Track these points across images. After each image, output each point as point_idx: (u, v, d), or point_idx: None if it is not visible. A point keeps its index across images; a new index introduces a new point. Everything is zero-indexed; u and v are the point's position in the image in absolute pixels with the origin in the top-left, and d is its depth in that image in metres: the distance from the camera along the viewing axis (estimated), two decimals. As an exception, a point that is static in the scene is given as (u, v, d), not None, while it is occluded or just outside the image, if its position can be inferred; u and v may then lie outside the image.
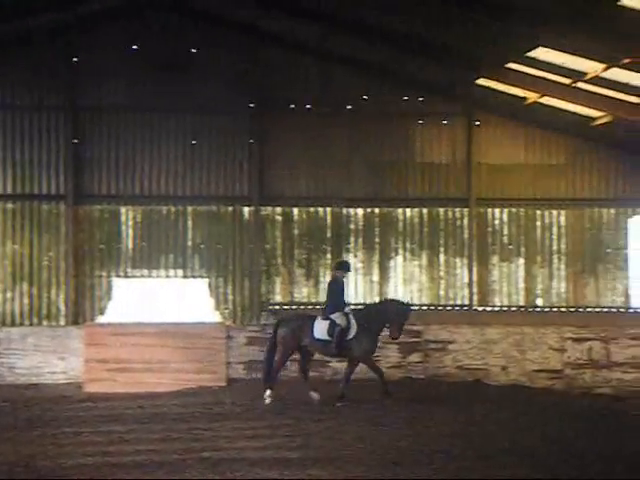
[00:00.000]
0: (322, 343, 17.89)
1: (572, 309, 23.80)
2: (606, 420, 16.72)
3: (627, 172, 24.03)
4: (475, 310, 24.17)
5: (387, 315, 17.91)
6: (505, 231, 24.45)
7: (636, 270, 23.92)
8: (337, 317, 17.83)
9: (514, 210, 24.33)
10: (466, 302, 24.23)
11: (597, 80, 19.98)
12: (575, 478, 11.02)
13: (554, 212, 24.25)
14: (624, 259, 23.99)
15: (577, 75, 20.11)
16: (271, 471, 11.13)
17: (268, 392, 17.77)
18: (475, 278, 24.26)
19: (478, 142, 24.37)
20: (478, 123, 24.32)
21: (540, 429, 15.08)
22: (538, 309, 24.14)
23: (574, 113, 22.66)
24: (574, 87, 20.75)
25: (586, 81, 20.25)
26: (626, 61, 18.21)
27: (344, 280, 18.36)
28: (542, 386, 22.16)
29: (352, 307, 18.44)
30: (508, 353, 23.47)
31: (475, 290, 24.25)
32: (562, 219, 24.26)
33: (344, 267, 18.63)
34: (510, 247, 24.36)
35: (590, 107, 21.73)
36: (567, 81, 20.66)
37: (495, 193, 24.33)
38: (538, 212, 24.27)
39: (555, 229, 24.28)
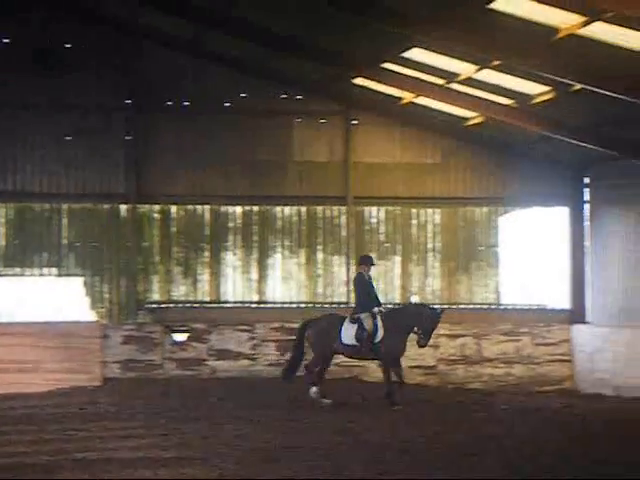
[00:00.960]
0: (350, 347, 17.82)
1: (446, 306, 24.20)
2: (477, 413, 17.11)
3: (498, 171, 24.56)
4: (352, 307, 24.35)
5: (416, 320, 17.63)
6: (382, 229, 24.74)
7: (506, 267, 24.46)
8: (364, 319, 17.62)
9: (390, 208, 24.64)
10: (343, 300, 24.43)
11: (469, 81, 20.37)
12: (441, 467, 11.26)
13: (429, 210, 24.64)
14: (495, 257, 24.52)
15: (450, 76, 20.48)
16: (145, 470, 11.06)
17: (314, 389, 17.84)
18: (352, 276, 24.46)
19: (355, 141, 24.60)
20: (355, 122, 24.55)
21: (419, 424, 15.37)
22: (414, 306, 24.44)
23: (448, 113, 23.07)
24: (448, 88, 21.12)
25: (459, 82, 20.63)
26: (496, 63, 18.61)
27: (368, 275, 18.11)
28: (417, 382, 22.52)
29: (382, 305, 18.24)
30: (384, 350, 23.78)
31: (352, 288, 24.42)
32: (437, 217, 24.66)
33: (366, 261, 18.37)
34: (387, 245, 24.66)
35: (463, 107, 22.13)
36: (441, 82, 21.01)
37: (372, 191, 24.60)
38: (413, 210, 24.62)
39: (430, 227, 24.67)
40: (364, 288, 17.94)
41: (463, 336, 23.41)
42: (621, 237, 22.93)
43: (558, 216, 24.61)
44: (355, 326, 17.58)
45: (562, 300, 24.23)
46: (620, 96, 17.75)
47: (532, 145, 23.49)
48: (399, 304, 18.86)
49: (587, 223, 24.19)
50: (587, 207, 24.26)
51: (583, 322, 23.75)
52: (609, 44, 16.37)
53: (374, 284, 18.49)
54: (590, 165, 23.86)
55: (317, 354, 18.04)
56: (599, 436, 14.38)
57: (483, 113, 22.11)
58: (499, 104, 21.15)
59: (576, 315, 23.88)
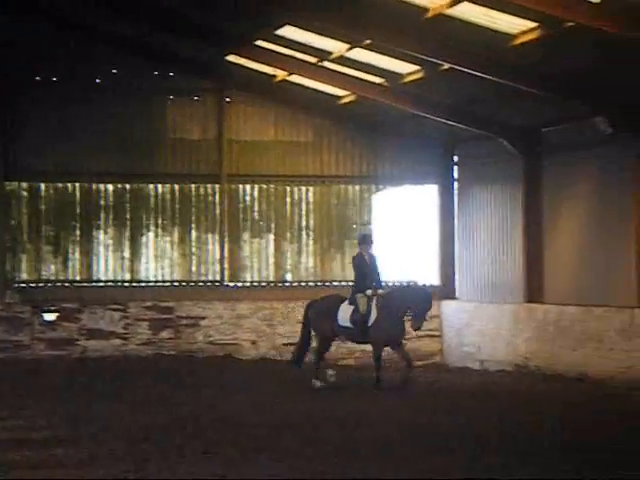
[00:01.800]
0: (345, 330, 17.32)
1: (320, 283, 24.40)
2: (348, 390, 17.34)
3: (371, 150, 24.81)
4: (226, 286, 24.39)
5: (408, 301, 17.02)
6: (256, 207, 24.76)
7: (379, 245, 24.74)
8: (360, 301, 17.12)
9: (264, 186, 24.67)
10: (217, 278, 24.41)
11: (342, 60, 20.51)
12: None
13: (303, 189, 24.75)
14: (368, 234, 24.74)
15: (323, 54, 20.58)
16: (13, 452, 10.88)
17: (330, 372, 17.75)
18: (226, 254, 24.46)
19: (229, 119, 24.52)
20: (229, 100, 24.47)
21: (290, 400, 15.50)
22: (287, 284, 24.61)
23: (321, 92, 23.19)
24: (320, 66, 21.23)
25: (332, 60, 20.76)
26: (367, 42, 18.78)
27: (368, 255, 17.51)
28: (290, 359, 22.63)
29: (381, 286, 17.60)
30: (258, 328, 23.89)
31: (226, 266, 24.45)
32: (310, 196, 24.80)
33: (363, 240, 17.80)
34: (260, 223, 24.70)
35: (336, 86, 22.28)
36: (314, 60, 21.11)
37: (246, 170, 24.58)
38: (287, 189, 24.70)
39: (304, 205, 24.79)
40: (361, 269, 17.38)
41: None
42: (488, 215, 23.44)
43: (428, 194, 25.01)
44: (352, 308, 17.14)
45: (432, 276, 24.66)
46: (486, 76, 18.12)
47: (403, 124, 23.80)
48: (394, 286, 18.02)
49: (456, 201, 24.64)
50: (456, 185, 24.72)
51: (452, 298, 24.23)
52: (476, 24, 16.69)
53: (377, 264, 17.73)
54: (459, 144, 24.31)
55: (317, 336, 17.70)
56: (458, 408, 14.76)
57: (355, 92, 22.30)
58: (370, 83, 21.36)
59: (445, 291, 24.34)
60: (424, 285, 18.16)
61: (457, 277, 24.47)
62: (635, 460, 10.39)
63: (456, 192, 24.72)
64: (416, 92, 21.12)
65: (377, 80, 21.24)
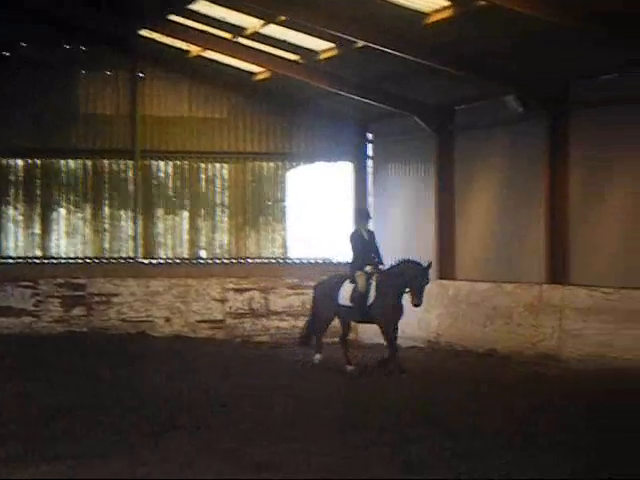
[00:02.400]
0: (346, 309, 16.65)
1: (234, 261, 24.36)
2: (267, 365, 17.38)
3: (285, 127, 24.78)
4: (140, 263, 24.20)
5: (405, 278, 16.18)
6: (170, 184, 24.58)
7: (294, 222, 24.80)
8: (358, 278, 16.39)
9: (178, 163, 24.51)
10: (131, 255, 24.21)
11: (256, 36, 20.43)
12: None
13: (217, 165, 24.64)
14: (283, 212, 24.81)
15: (237, 30, 20.47)
16: None
17: (317, 356, 17.04)
18: (140, 231, 24.26)
19: (143, 94, 24.27)
20: (142, 75, 24.21)
21: (195, 376, 15.47)
22: (202, 261, 24.52)
23: (236, 68, 23.08)
24: (235, 42, 21.11)
25: (246, 36, 20.66)
26: (282, 18, 18.72)
27: (367, 230, 16.86)
28: (204, 336, 22.63)
29: (381, 263, 16.71)
30: (172, 305, 23.77)
31: (140, 243, 24.26)
32: (225, 172, 24.70)
33: (360, 216, 17.24)
34: (175, 200, 24.54)
35: (250, 62, 22.20)
36: (228, 36, 20.99)
37: (160, 146, 24.38)
38: (202, 165, 24.57)
39: (218, 182, 24.69)
40: (357, 245, 16.65)
41: (250, 290, 23.63)
42: (402, 192, 23.61)
43: (343, 171, 25.08)
44: (352, 286, 16.45)
45: (346, 254, 24.70)
46: (400, 54, 18.23)
47: (318, 101, 23.82)
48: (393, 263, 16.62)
49: (370, 178, 24.77)
50: (370, 162, 24.83)
51: (366, 275, 24.32)
52: (390, 2, 16.74)
53: (375, 240, 16.99)
54: (373, 121, 24.41)
55: (318, 316, 17.16)
56: (374, 384, 14.92)
57: (270, 68, 22.24)
58: (285, 59, 21.32)
59: (359, 268, 24.42)
60: (421, 261, 16.44)
61: (371, 254, 24.57)
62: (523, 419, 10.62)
63: (370, 169, 24.84)
64: (331, 69, 21.15)
65: (292, 57, 21.20)
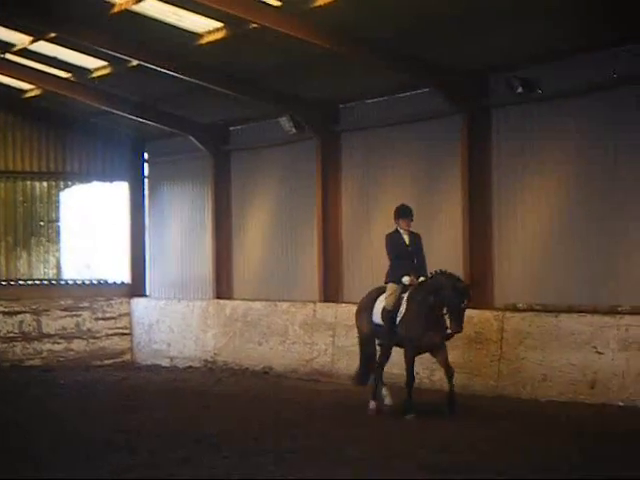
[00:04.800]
0: (379, 328, 13.77)
1: (4, 283, 23.59)
2: (36, 389, 16.95)
3: (60, 146, 24.23)
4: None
5: (441, 295, 13.08)
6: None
7: (68, 243, 24.29)
8: (389, 291, 13.62)
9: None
10: None
11: (25, 52, 19.92)
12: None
13: (-14, 185, 23.85)
14: (56, 232, 24.24)
15: (5, 46, 19.91)
16: None
17: (372, 404, 13.81)
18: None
19: None
20: None
21: None
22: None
23: (5, 85, 22.43)
24: (3, 58, 20.52)
25: (15, 53, 20.12)
26: (52, 35, 18.37)
27: (408, 233, 13.74)
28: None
29: (425, 273, 13.67)
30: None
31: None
32: (-5, 191, 23.93)
33: (402, 214, 13.83)
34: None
35: (20, 79, 21.63)
36: (-4, 52, 20.39)
37: None
38: (-28, 184, 23.73)
39: (-12, 202, 23.88)
40: (394, 250, 13.71)
41: (21, 312, 22.95)
42: (179, 212, 23.55)
43: (119, 191, 24.77)
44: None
45: (123, 274, 24.46)
46: (174, 73, 18.23)
47: (93, 120, 23.46)
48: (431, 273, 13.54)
49: (147, 198, 24.58)
50: (146, 182, 24.65)
51: (143, 295, 24.15)
52: (163, 22, 16.73)
53: (420, 245, 13.85)
54: (149, 141, 24.27)
55: (360, 338, 14.28)
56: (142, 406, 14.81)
57: (40, 86, 21.73)
58: (57, 77, 20.89)
59: (136, 288, 24.22)
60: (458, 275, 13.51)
61: (148, 274, 24.41)
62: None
63: (147, 189, 24.65)
64: (105, 87, 20.88)
65: (64, 74, 20.80)
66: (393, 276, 13.65)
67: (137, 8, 16.35)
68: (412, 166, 17.83)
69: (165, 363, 22.09)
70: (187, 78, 18.43)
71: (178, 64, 18.15)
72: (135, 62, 18.42)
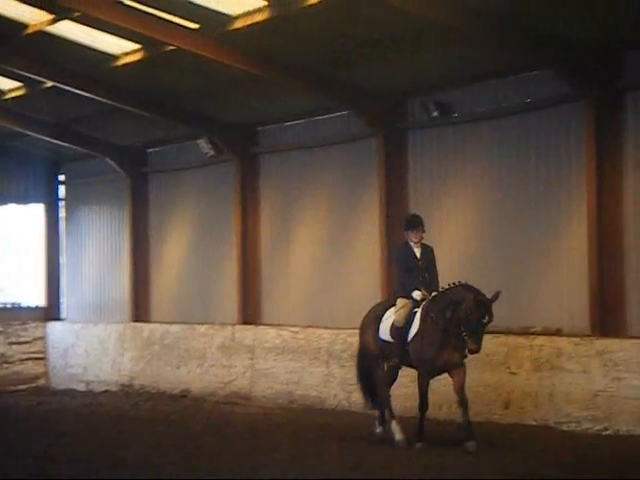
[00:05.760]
0: (388, 346, 12.60)
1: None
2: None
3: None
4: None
5: (459, 311, 11.86)
6: None
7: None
8: (399, 306, 12.52)
9: None
10: None
11: None
12: None
13: None
14: (-29, 255, 23.83)
15: None
16: None
17: (379, 429, 12.81)
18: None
19: None
20: None
21: None
22: None
23: None
24: None
25: None
26: None
27: (420, 245, 12.66)
28: None
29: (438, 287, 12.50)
30: None
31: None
32: None
33: (412, 224, 12.71)
34: None
35: None
36: None
37: None
38: None
39: None
40: (403, 264, 12.63)
41: None
42: (96, 234, 23.32)
43: (34, 213, 24.45)
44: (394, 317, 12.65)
45: (38, 297, 24.11)
46: (90, 95, 18.11)
47: (7, 141, 23.14)
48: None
49: (63, 220, 24.29)
50: (63, 204, 24.36)
51: (58, 319, 23.83)
52: (78, 43, 16.61)
53: (432, 257, 12.73)
54: (66, 162, 24.01)
55: (364, 355, 13.17)
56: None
57: None
58: None
59: (51, 312, 23.88)
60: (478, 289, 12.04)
61: (64, 298, 24.10)
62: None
63: (63, 211, 24.36)
64: (19, 109, 20.63)
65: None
66: (402, 291, 12.53)
67: (52, 29, 16.22)
68: (330, 188, 17.91)
69: (81, 387, 21.80)
70: (103, 100, 18.31)
71: (94, 86, 18.02)
72: (50, 83, 18.25)
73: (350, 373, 15.81)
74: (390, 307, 12.72)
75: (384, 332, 12.60)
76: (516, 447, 11.93)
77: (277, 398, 17.36)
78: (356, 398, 15.37)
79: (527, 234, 14.86)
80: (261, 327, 18.58)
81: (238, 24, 14.70)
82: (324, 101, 17.09)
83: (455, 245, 15.76)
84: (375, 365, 12.85)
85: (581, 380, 13.31)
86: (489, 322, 11.75)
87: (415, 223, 12.71)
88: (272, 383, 17.65)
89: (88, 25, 15.89)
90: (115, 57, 16.92)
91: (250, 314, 19.24)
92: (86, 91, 18.06)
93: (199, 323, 19.88)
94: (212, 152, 19.75)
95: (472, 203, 15.72)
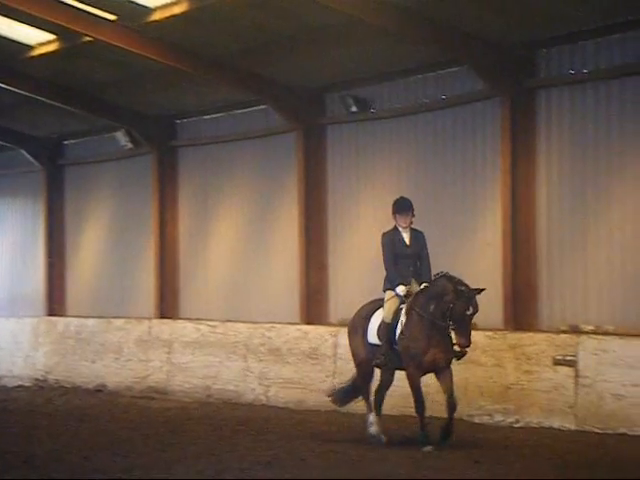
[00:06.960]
0: (375, 349, 11.71)
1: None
2: None
3: None
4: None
5: (445, 303, 11.07)
6: None
7: None
8: (386, 302, 11.61)
9: None
10: None
11: None
12: None
13: None
14: None
15: None
16: None
17: (373, 429, 11.93)
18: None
19: None
20: None
21: None
22: None
23: None
24: None
25: None
26: None
27: (409, 230, 11.69)
28: None
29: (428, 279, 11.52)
30: None
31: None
32: None
33: (401, 208, 11.74)
34: None
35: None
36: None
37: None
38: None
39: None
40: (390, 253, 11.60)
41: None
42: (9, 227, 23.01)
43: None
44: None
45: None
46: (4, 85, 17.93)
47: None
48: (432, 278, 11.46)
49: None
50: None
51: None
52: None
53: (423, 244, 11.73)
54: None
55: (354, 360, 12.26)
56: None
57: None
58: None
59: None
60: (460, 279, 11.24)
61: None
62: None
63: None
64: None
65: None
66: (389, 284, 11.59)
67: (-35, 17, 15.95)
68: (249, 182, 17.91)
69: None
70: (17, 90, 18.06)
71: (7, 75, 17.78)
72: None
73: (267, 367, 15.89)
74: (379, 308, 11.78)
75: (372, 335, 11.76)
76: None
77: (194, 392, 17.28)
78: (273, 392, 15.39)
79: (442, 230, 15.01)
80: (179, 321, 18.48)
81: (156, 16, 14.63)
82: (243, 95, 17.08)
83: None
84: (368, 373, 12.01)
85: (494, 373, 13.49)
86: (474, 314, 11.01)
87: (404, 206, 11.76)
88: (189, 377, 17.55)
89: (4, 15, 15.65)
90: (31, 47, 16.71)
91: (168, 308, 19.16)
92: (1, 81, 17.79)
93: (116, 317, 19.69)
94: (130, 145, 19.61)
95: (389, 198, 15.80)
